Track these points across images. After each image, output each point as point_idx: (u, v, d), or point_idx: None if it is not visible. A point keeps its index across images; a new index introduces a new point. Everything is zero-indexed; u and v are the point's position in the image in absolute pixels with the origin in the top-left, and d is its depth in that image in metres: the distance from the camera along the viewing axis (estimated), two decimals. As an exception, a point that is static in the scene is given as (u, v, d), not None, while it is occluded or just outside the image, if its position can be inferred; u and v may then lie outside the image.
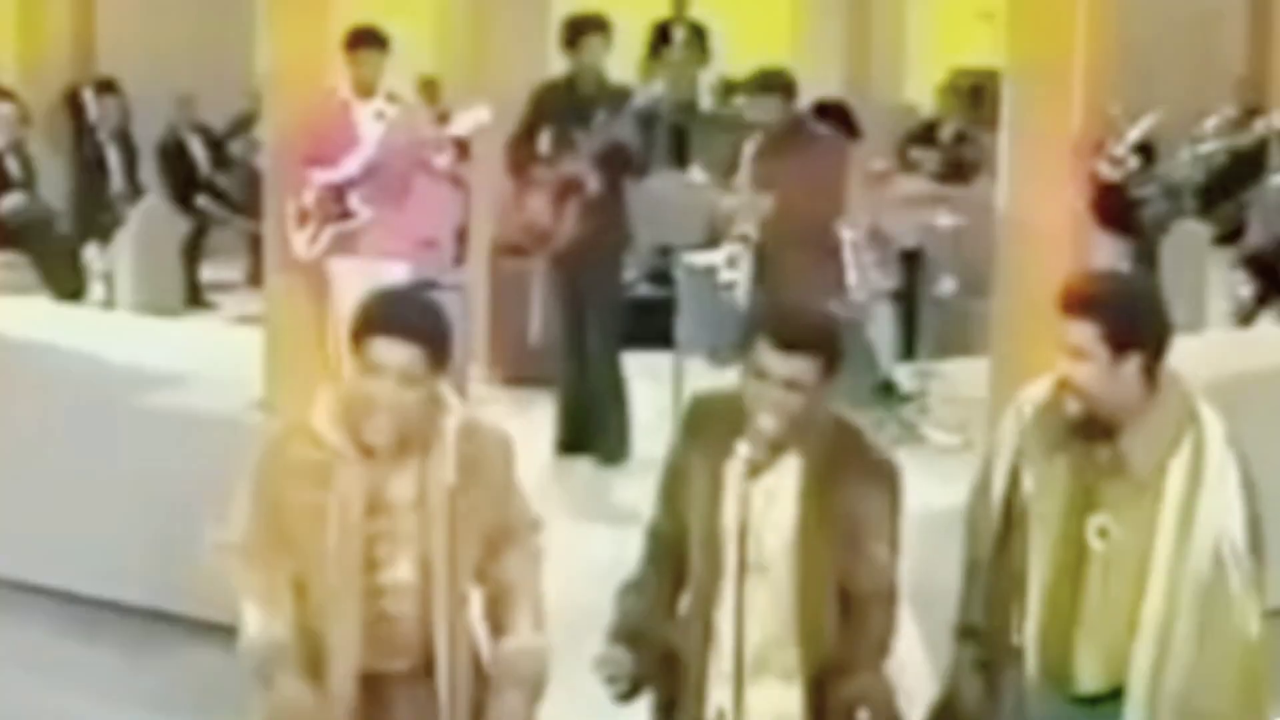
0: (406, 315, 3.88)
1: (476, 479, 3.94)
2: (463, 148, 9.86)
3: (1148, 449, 3.72)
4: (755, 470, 3.88)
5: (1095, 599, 3.78)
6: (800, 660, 3.93)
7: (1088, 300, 3.74)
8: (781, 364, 3.85)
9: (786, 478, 3.91)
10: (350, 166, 7.83)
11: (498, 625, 4.06)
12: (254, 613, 3.92)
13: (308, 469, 3.87)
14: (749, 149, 8.16)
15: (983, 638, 3.98)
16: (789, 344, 3.87)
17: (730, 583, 3.90)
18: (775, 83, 8.18)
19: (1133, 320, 3.74)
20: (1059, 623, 3.82)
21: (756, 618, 3.90)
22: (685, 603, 4.10)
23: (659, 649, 4.06)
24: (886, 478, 3.96)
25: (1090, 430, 3.76)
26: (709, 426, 4.02)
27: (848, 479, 3.89)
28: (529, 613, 4.04)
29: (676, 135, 12.47)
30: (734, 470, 3.89)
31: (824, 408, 3.95)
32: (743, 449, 3.83)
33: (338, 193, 7.81)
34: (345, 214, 7.82)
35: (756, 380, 3.88)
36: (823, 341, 3.92)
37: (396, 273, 7.94)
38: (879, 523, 3.92)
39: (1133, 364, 3.71)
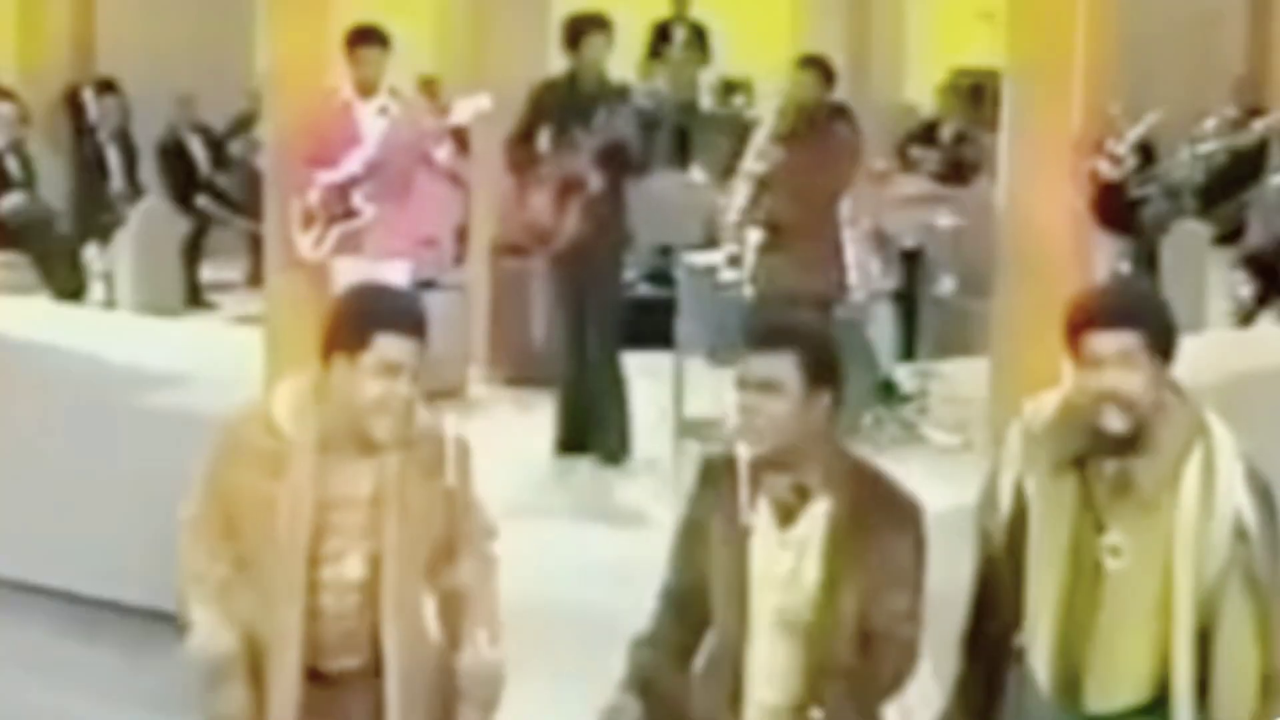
0: (409, 310, 3.86)
1: (433, 480, 3.91)
2: (462, 143, 9.87)
3: (1158, 463, 3.66)
4: (786, 519, 3.79)
5: (1108, 616, 3.73)
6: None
7: (1128, 308, 3.68)
8: (756, 364, 3.74)
9: (816, 527, 3.79)
10: (353, 164, 7.83)
11: (453, 634, 4.01)
12: (202, 614, 3.88)
13: (261, 458, 3.84)
14: (772, 120, 8.16)
15: (989, 645, 3.97)
16: (761, 340, 3.77)
17: (759, 637, 3.81)
18: (816, 62, 8.24)
19: (1169, 326, 3.70)
20: (1071, 640, 3.77)
21: (781, 672, 3.81)
22: (705, 659, 3.98)
23: (670, 703, 3.94)
24: (913, 522, 3.84)
25: (1120, 445, 3.66)
26: (725, 483, 3.87)
27: (876, 526, 3.78)
28: (485, 624, 3.97)
29: (677, 135, 12.49)
30: (761, 523, 3.80)
31: (837, 449, 3.85)
32: (742, 450, 3.75)
33: (342, 192, 7.82)
34: (349, 213, 7.82)
35: (738, 390, 3.77)
36: (797, 336, 3.80)
37: (399, 271, 7.95)
38: (906, 571, 3.80)
39: (1166, 371, 3.67)
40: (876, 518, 3.79)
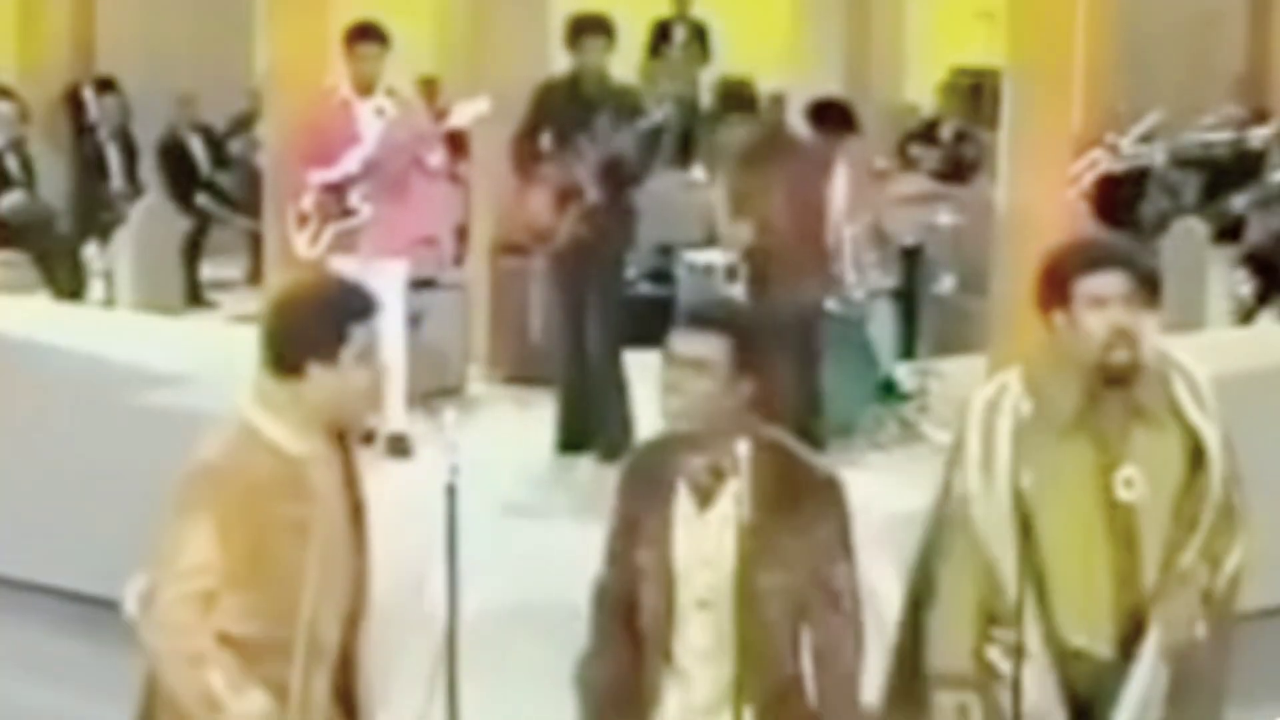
0: (366, 294, 3.85)
1: None
2: (461, 146, 9.87)
3: (1154, 388, 3.87)
4: (705, 500, 3.85)
5: (1142, 552, 3.87)
6: (743, 694, 3.80)
7: (1124, 252, 3.93)
8: (686, 343, 3.81)
9: (731, 507, 3.79)
10: (350, 164, 7.83)
11: None
12: (223, 681, 3.70)
13: (281, 484, 3.74)
14: (725, 166, 8.21)
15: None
16: (692, 321, 3.84)
17: (685, 622, 3.87)
18: (737, 98, 8.27)
19: (1155, 269, 3.91)
20: (1118, 591, 3.89)
21: (710, 656, 3.85)
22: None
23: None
24: (833, 497, 3.90)
25: (1120, 379, 3.85)
26: (650, 472, 3.98)
27: (793, 504, 3.83)
28: None
29: (677, 134, 12.47)
30: (682, 507, 3.88)
31: (754, 423, 3.86)
32: (692, 462, 3.80)
33: (338, 191, 7.82)
34: (346, 212, 7.83)
35: (666, 367, 3.83)
36: (727, 319, 3.88)
37: (397, 270, 7.96)
38: (832, 546, 3.86)
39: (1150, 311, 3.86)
40: (793, 496, 3.84)
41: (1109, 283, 3.81)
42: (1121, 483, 3.85)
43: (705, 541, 3.85)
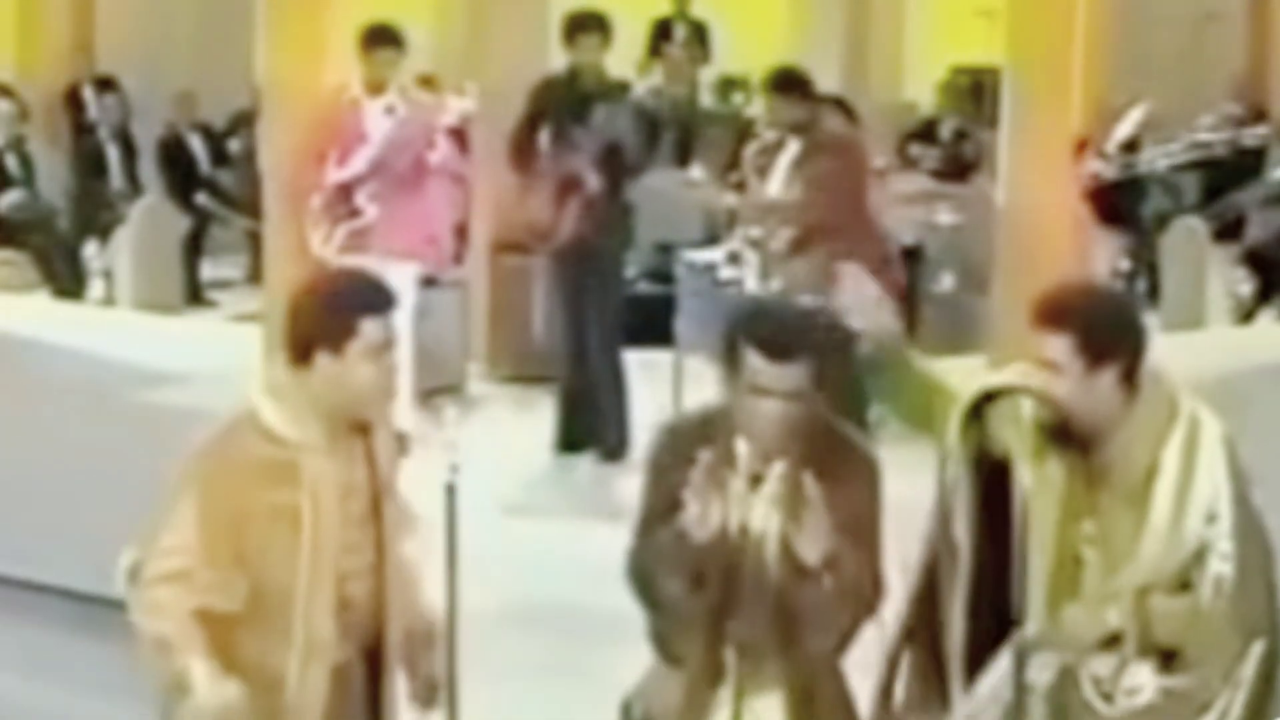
0: (382, 290, 3.87)
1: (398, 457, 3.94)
2: (461, 142, 9.87)
3: (1133, 454, 3.71)
4: (755, 482, 3.86)
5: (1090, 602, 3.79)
6: (788, 668, 3.90)
7: (1063, 312, 3.73)
8: (781, 376, 3.77)
9: (779, 485, 3.86)
10: (357, 164, 7.81)
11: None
12: (201, 665, 3.67)
13: (269, 469, 3.75)
14: (786, 155, 8.07)
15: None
16: (785, 352, 3.78)
17: (737, 598, 3.88)
18: (795, 81, 8.13)
19: (1108, 331, 3.73)
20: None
21: (759, 625, 3.87)
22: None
23: None
24: (868, 475, 3.94)
25: (1069, 439, 3.75)
26: (691, 453, 3.92)
27: (832, 478, 3.84)
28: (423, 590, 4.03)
29: (677, 133, 12.49)
30: (734, 487, 3.88)
31: (804, 411, 3.89)
32: (742, 446, 3.77)
33: (345, 191, 7.81)
34: (353, 212, 7.81)
35: (754, 397, 3.79)
36: (817, 344, 3.87)
37: (407, 271, 7.94)
38: (859, 520, 3.88)
39: (1109, 375, 3.69)
40: (832, 471, 3.85)
41: (1050, 345, 3.69)
42: (1085, 537, 3.75)
43: (753, 522, 3.86)
